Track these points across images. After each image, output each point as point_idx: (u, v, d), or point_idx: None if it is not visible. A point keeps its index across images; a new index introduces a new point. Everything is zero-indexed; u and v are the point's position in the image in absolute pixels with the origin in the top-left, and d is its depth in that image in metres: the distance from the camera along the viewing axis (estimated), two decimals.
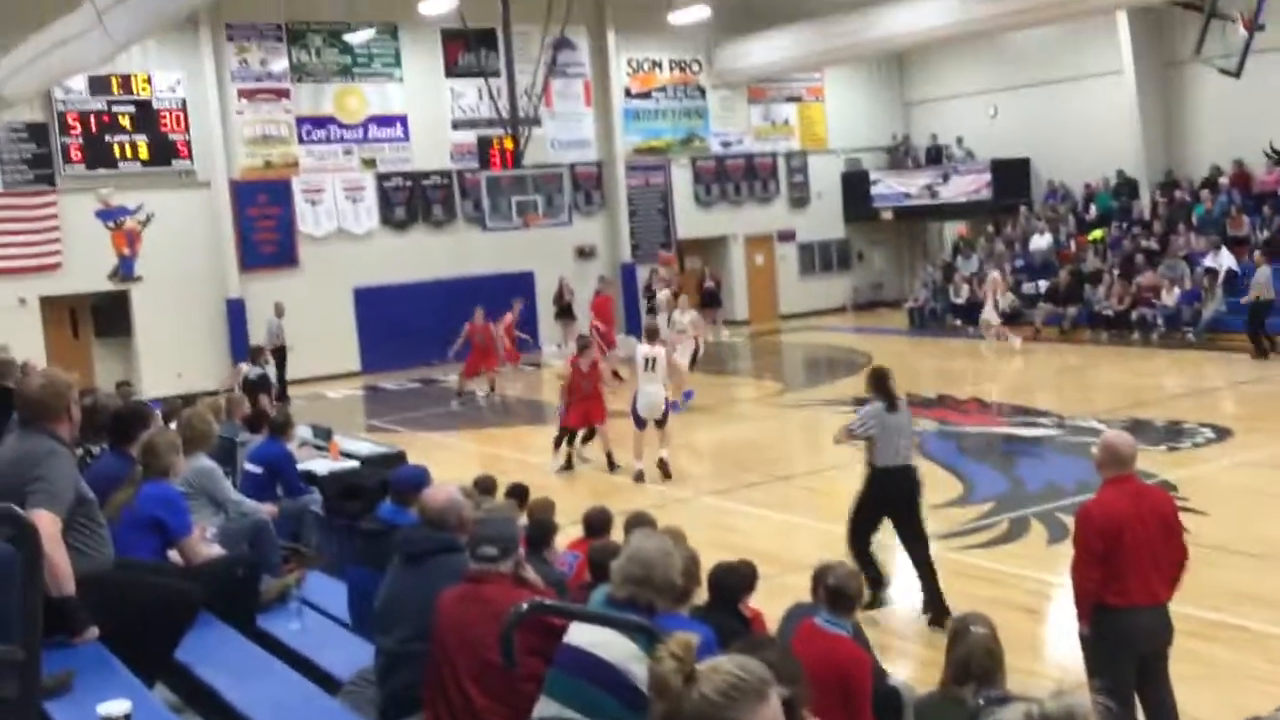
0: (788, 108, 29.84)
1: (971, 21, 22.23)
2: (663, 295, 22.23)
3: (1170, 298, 21.50)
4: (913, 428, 9.27)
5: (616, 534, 6.87)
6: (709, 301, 26.97)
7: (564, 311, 24.55)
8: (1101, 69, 25.58)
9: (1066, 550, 6.48)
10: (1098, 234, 24.42)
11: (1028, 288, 24.21)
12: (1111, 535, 5.74)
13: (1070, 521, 7.58)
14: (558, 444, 14.29)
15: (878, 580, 8.48)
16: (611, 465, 13.89)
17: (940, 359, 22.43)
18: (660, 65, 28.09)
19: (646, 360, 13.95)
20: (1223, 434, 13.85)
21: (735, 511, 11.95)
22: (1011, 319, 23.74)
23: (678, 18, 26.71)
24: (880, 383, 8.72)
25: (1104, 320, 22.36)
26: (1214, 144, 24.21)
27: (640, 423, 13.70)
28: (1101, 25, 24.96)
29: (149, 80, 22.42)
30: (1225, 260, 21.39)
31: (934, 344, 24.13)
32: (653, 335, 14.74)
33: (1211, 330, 20.75)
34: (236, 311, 23.00)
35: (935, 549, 8.74)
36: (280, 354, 21.41)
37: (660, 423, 13.76)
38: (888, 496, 8.58)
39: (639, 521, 6.46)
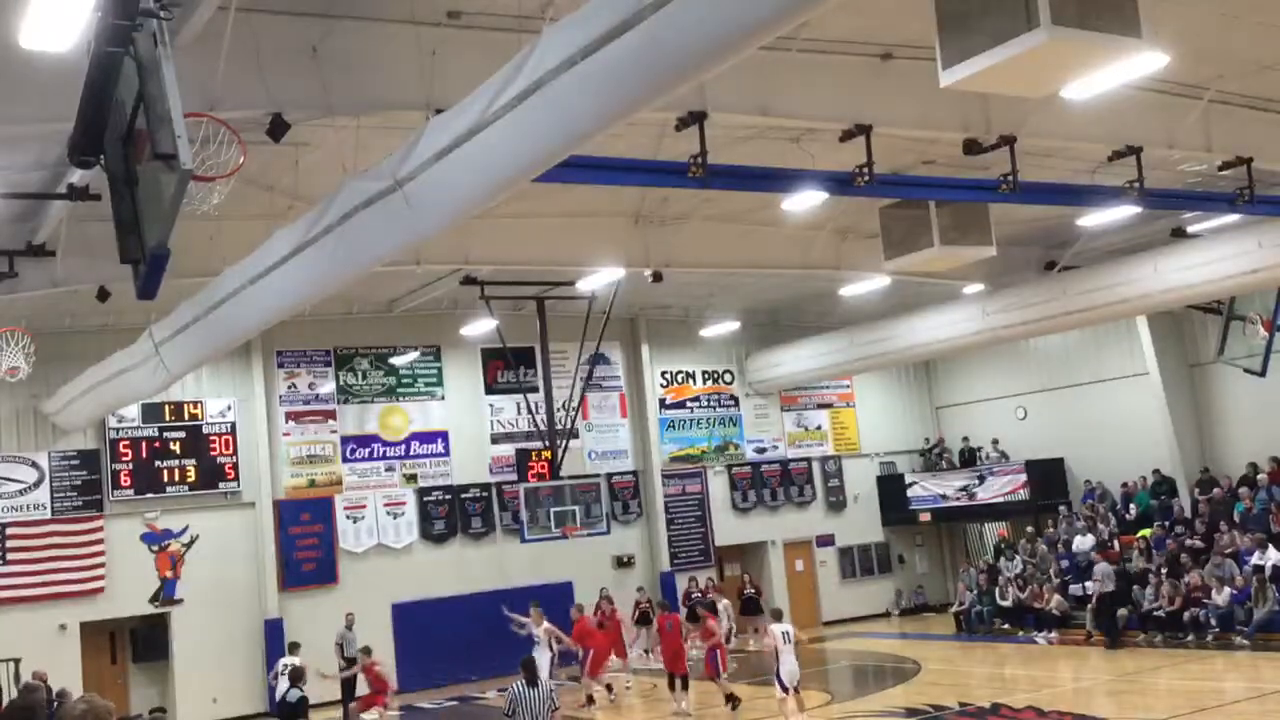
0: (820, 414, 30.36)
1: (994, 330, 22.86)
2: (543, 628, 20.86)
3: (1221, 597, 21.10)
4: (555, 700, 11.64)
5: None
6: (749, 609, 26.65)
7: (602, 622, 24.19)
8: (1127, 371, 26.10)
9: None
10: (1146, 532, 24.21)
11: (1074, 589, 23.82)
12: None
13: None
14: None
15: None
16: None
17: (992, 665, 21.86)
18: (693, 376, 28.84)
19: (784, 635, 16.27)
20: None
21: None
22: (1062, 622, 23.30)
23: (708, 331, 27.77)
24: (526, 666, 11.78)
25: (1156, 621, 21.88)
26: (1248, 440, 24.32)
27: (784, 688, 15.89)
28: (1123, 330, 25.64)
29: (200, 406, 23.18)
30: (1272, 557, 21.09)
31: (984, 649, 23.56)
32: (779, 615, 17.59)
33: (1264, 630, 20.23)
34: (274, 632, 22.83)
35: None
36: (351, 666, 20.85)
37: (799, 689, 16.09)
38: None
39: None
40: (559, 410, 23.20)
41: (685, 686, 19.02)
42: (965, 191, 14.93)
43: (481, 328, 23.30)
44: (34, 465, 21.73)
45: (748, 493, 29.00)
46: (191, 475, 22.89)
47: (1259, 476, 23.42)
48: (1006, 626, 24.84)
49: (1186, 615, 21.41)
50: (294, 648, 18.62)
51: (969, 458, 29.37)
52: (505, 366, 25.48)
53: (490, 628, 21.94)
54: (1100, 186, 15.76)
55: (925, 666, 21.52)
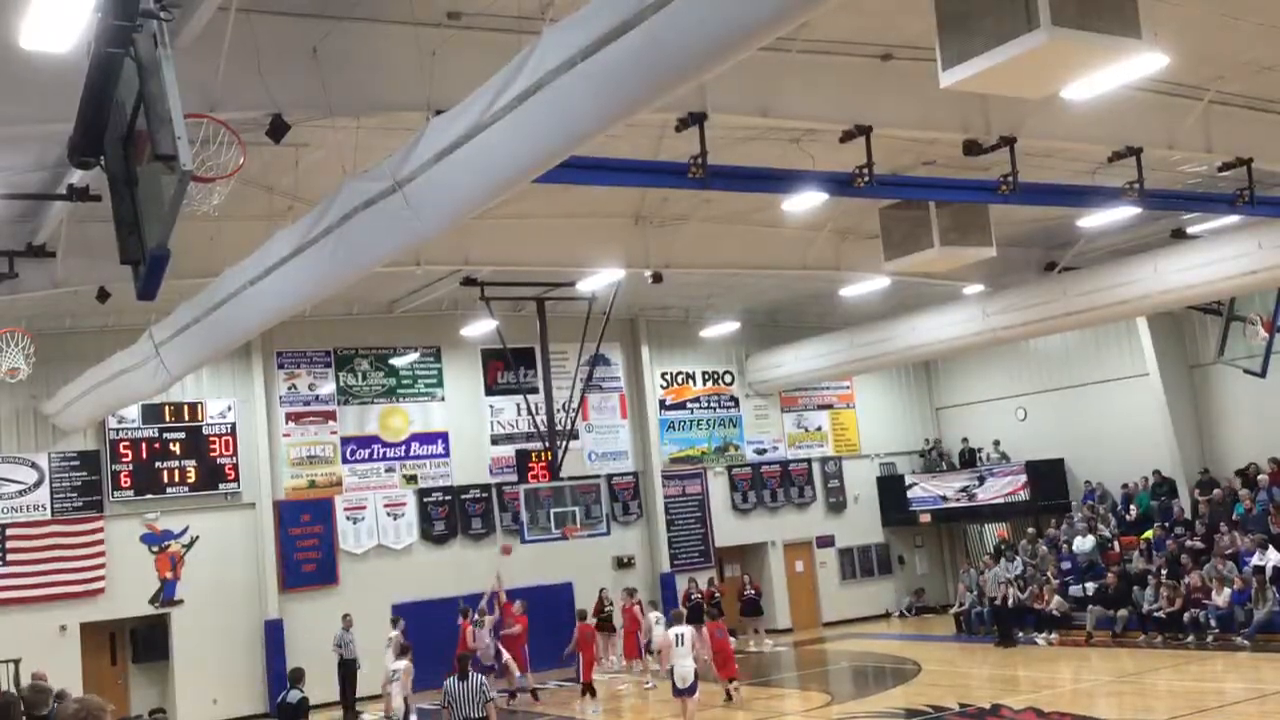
0: (820, 415, 30.35)
1: (994, 331, 22.86)
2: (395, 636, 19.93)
3: (1221, 598, 21.10)
4: (486, 692, 12.68)
5: None
6: (749, 610, 26.66)
7: (604, 623, 24.21)
8: (1127, 372, 26.10)
9: None
10: (1149, 534, 24.20)
11: (1074, 590, 23.82)
12: None
13: None
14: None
15: None
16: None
17: (992, 666, 21.83)
18: (693, 377, 28.83)
19: (677, 637, 16.83)
20: None
21: None
22: (1062, 622, 23.29)
23: (708, 332, 27.77)
24: (460, 661, 12.90)
25: (1156, 622, 21.88)
26: (1248, 441, 24.33)
27: (677, 691, 16.41)
28: (1123, 330, 25.63)
29: (200, 407, 23.17)
30: (1272, 558, 21.08)
31: (984, 650, 23.53)
32: (680, 618, 18.00)
33: (1264, 631, 20.22)
34: (275, 633, 22.82)
35: None
36: (348, 668, 21.15)
37: (689, 692, 16.41)
38: None
39: None
40: (559, 411, 23.20)
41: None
42: (965, 192, 14.93)
43: (481, 328, 23.30)
44: (34, 466, 21.71)
45: (748, 494, 28.99)
46: (191, 476, 22.87)
47: (1259, 477, 23.42)
48: None
49: (1186, 616, 21.40)
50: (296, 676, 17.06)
51: (968, 459, 29.37)
52: (505, 367, 25.47)
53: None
54: (1100, 187, 15.75)
55: (925, 667, 21.52)
